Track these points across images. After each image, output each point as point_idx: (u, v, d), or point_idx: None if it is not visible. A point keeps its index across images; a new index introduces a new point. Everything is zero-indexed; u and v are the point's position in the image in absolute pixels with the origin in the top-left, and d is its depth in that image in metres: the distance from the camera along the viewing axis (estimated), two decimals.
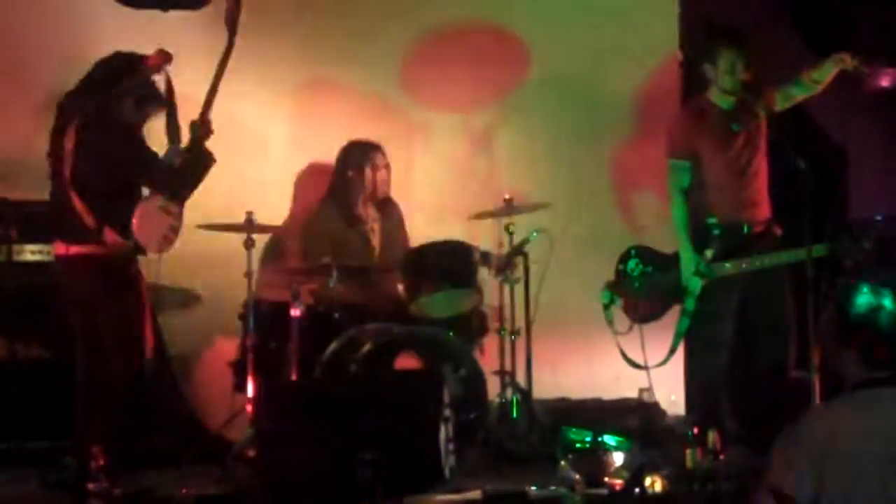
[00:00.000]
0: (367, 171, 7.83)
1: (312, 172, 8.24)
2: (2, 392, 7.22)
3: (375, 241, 7.91)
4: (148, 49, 8.03)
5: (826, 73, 7.10)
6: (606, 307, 7.21)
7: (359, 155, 7.84)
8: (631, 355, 7.23)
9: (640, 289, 7.18)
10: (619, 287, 7.20)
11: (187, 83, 8.18)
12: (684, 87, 8.47)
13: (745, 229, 7.07)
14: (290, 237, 8.06)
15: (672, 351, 7.22)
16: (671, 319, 7.31)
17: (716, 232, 7.01)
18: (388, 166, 7.91)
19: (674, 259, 7.13)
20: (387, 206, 8.01)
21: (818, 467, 3.73)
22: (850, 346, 3.96)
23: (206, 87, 8.15)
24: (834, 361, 4.03)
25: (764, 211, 7.13)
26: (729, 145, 7.08)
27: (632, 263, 7.18)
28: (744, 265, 6.98)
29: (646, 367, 7.20)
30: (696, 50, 7.51)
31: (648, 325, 7.24)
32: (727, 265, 6.98)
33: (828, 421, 3.85)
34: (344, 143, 7.97)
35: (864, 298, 3.99)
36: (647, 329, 7.21)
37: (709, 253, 6.98)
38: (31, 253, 7.40)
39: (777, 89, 7.18)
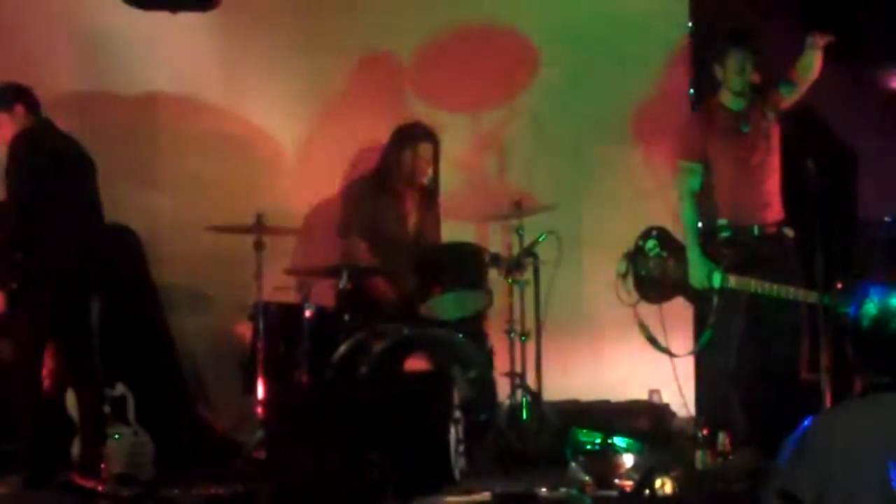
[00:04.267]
0: (407, 154, 7.76)
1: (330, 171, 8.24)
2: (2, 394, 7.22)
3: (411, 224, 7.85)
4: (156, 50, 8.09)
5: (810, 57, 7.09)
6: (623, 277, 7.15)
7: (405, 137, 7.78)
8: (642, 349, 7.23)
9: (652, 270, 7.13)
10: (634, 261, 7.15)
11: (195, 86, 8.25)
12: (693, 90, 8.47)
13: (756, 231, 7.06)
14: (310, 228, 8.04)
15: (692, 352, 7.25)
16: (688, 310, 7.37)
17: (725, 234, 7.00)
18: (432, 157, 7.80)
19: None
20: (428, 197, 7.93)
21: (821, 471, 3.75)
22: (857, 351, 3.97)
23: (212, 89, 8.21)
24: (849, 366, 4.05)
25: (776, 212, 7.12)
26: (740, 146, 7.08)
27: (651, 243, 7.13)
28: (757, 289, 6.95)
29: (661, 347, 7.15)
30: (705, 51, 7.51)
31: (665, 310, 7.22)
32: (732, 281, 6.95)
33: (831, 425, 3.86)
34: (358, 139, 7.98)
35: (870, 303, 4.00)
36: (665, 315, 7.19)
37: (716, 278, 6.95)
38: None
39: (778, 86, 7.18)
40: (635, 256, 7.11)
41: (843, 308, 6.42)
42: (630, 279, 7.09)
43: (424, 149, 7.74)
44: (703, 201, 7.11)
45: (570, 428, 7.35)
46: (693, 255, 7.02)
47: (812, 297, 6.61)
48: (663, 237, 7.14)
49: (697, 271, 7.00)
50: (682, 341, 7.35)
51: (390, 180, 7.76)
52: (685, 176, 7.15)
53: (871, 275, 7.60)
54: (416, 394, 6.47)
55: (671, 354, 7.15)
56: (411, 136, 7.74)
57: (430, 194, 7.89)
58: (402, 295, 7.56)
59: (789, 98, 7.18)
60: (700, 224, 7.08)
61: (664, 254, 7.12)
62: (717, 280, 6.94)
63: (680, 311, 7.42)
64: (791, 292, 6.87)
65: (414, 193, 7.83)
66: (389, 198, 7.78)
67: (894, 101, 8.59)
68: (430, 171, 7.78)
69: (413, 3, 8.56)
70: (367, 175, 7.87)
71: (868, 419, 3.82)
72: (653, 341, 7.12)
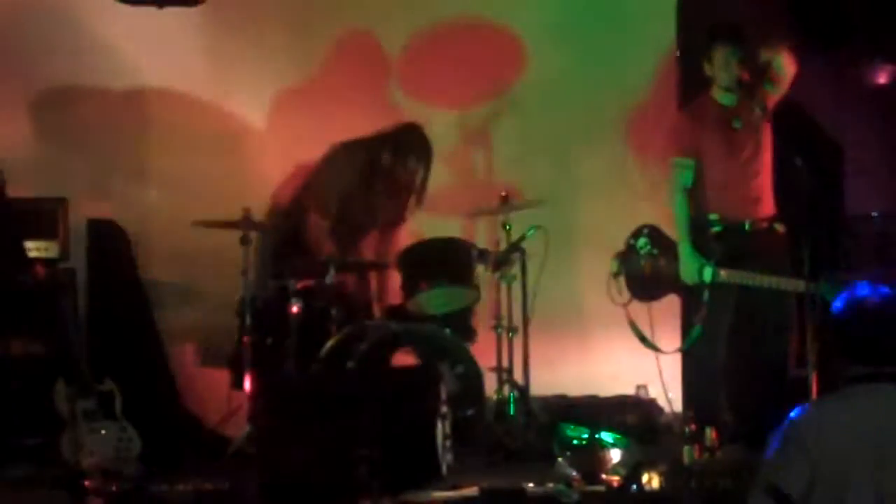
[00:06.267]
0: (398, 166, 7.68)
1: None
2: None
3: (380, 220, 7.83)
4: (144, 45, 8.09)
5: (778, 60, 7.11)
6: (614, 276, 7.17)
7: (399, 146, 7.69)
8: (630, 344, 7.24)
9: (644, 268, 7.15)
10: (626, 260, 7.16)
11: (182, 81, 8.24)
12: (681, 85, 8.47)
13: (748, 227, 7.07)
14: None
15: (680, 349, 7.26)
16: (676, 307, 7.37)
17: (716, 229, 7.02)
18: (423, 168, 7.77)
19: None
20: (400, 199, 7.91)
21: (809, 463, 3.76)
22: (839, 343, 3.99)
23: (199, 84, 8.19)
24: (832, 358, 4.07)
25: (767, 208, 7.14)
26: (731, 143, 7.09)
27: (642, 241, 7.15)
28: (747, 280, 6.97)
29: (651, 345, 7.17)
30: (694, 48, 7.51)
31: (654, 307, 7.25)
32: (722, 274, 6.97)
33: (817, 418, 3.88)
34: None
35: (849, 296, 4.02)
36: (654, 312, 7.21)
37: (707, 272, 6.96)
38: (34, 250, 7.40)
39: (764, 83, 7.19)
40: (627, 255, 7.13)
41: (831, 298, 6.46)
42: (622, 278, 7.11)
43: (415, 161, 7.70)
44: (695, 197, 7.12)
45: (558, 423, 7.36)
46: (684, 250, 7.03)
47: (803, 286, 6.62)
48: (654, 235, 7.15)
49: (688, 266, 7.01)
50: (671, 338, 7.36)
51: (373, 177, 7.72)
52: (677, 171, 7.15)
53: (858, 269, 7.63)
54: (404, 389, 6.47)
55: (661, 352, 7.17)
56: (406, 146, 7.68)
57: (401, 198, 7.87)
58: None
59: (775, 94, 7.20)
60: (691, 219, 7.09)
61: (656, 251, 7.14)
62: (707, 275, 6.95)
63: (669, 307, 7.43)
64: (782, 282, 6.89)
65: (394, 192, 7.81)
66: (366, 189, 7.74)
67: (881, 96, 8.60)
68: (416, 181, 7.76)
69: None
70: (342, 148, 7.80)
71: (853, 411, 3.84)
72: (643, 339, 7.14)
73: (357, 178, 7.65)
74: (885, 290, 4.03)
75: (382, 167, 7.65)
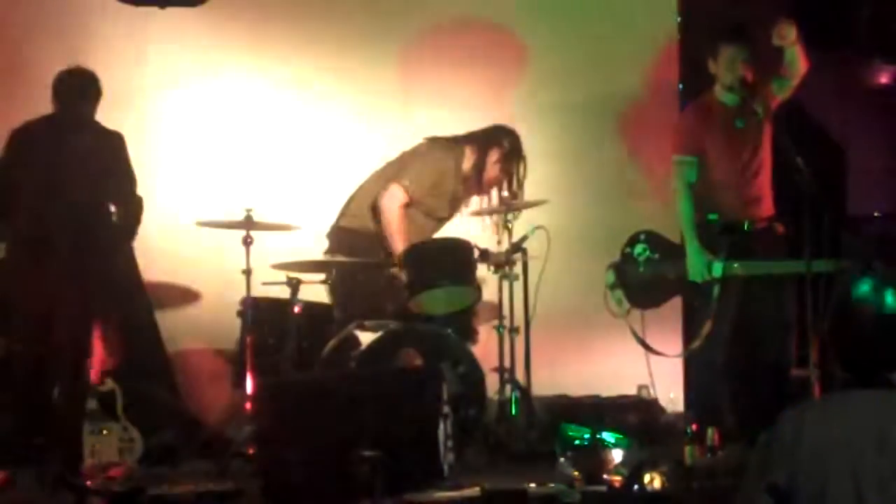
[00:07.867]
0: (499, 170, 7.71)
1: None
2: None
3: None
4: (145, 45, 8.10)
5: (791, 53, 7.11)
6: (611, 288, 7.17)
7: (510, 153, 7.68)
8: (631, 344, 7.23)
9: (645, 274, 7.16)
10: (624, 270, 7.16)
11: (184, 79, 8.24)
12: (683, 84, 8.47)
13: (748, 226, 7.07)
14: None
15: (691, 349, 7.26)
16: (674, 311, 7.35)
17: (718, 227, 7.02)
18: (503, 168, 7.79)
19: (681, 249, 7.13)
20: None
21: (790, 465, 3.76)
22: (833, 347, 3.98)
23: (202, 83, 8.21)
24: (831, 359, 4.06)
25: (767, 208, 7.15)
26: (734, 142, 7.10)
27: (639, 248, 7.15)
28: (763, 270, 6.97)
29: (652, 350, 7.17)
30: (695, 46, 7.52)
31: (648, 311, 7.25)
32: (735, 265, 6.96)
33: (796, 423, 3.85)
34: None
35: (843, 300, 4.00)
36: (649, 317, 7.20)
37: (717, 267, 6.96)
38: None
39: (770, 82, 7.20)
40: (623, 265, 7.14)
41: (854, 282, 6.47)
42: (619, 290, 7.11)
43: (517, 162, 7.70)
44: (697, 195, 7.12)
45: (560, 423, 7.36)
46: (691, 247, 7.03)
47: (819, 265, 6.61)
48: (652, 239, 7.16)
49: (696, 264, 7.00)
50: (672, 339, 7.36)
51: (478, 173, 7.73)
52: (681, 170, 7.16)
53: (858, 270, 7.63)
54: (405, 389, 6.46)
55: (665, 355, 7.17)
56: (514, 152, 7.68)
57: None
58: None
59: (781, 93, 7.21)
60: (695, 218, 7.09)
61: (655, 255, 7.14)
62: (717, 270, 6.95)
63: (669, 309, 7.42)
64: (792, 266, 6.88)
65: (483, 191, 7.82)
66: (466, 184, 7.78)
67: (883, 95, 8.61)
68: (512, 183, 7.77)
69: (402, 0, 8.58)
70: (434, 144, 7.78)
71: (834, 419, 3.82)
72: (645, 345, 7.14)
73: (464, 173, 7.69)
74: (888, 292, 3.99)
75: (486, 164, 7.68)
